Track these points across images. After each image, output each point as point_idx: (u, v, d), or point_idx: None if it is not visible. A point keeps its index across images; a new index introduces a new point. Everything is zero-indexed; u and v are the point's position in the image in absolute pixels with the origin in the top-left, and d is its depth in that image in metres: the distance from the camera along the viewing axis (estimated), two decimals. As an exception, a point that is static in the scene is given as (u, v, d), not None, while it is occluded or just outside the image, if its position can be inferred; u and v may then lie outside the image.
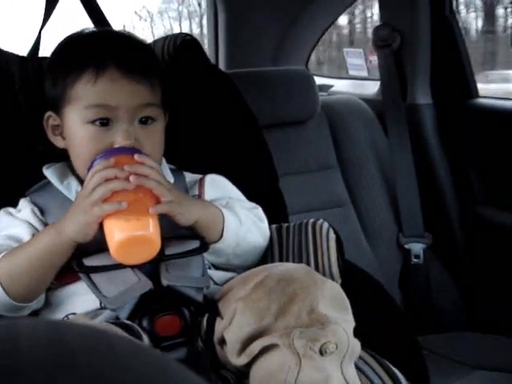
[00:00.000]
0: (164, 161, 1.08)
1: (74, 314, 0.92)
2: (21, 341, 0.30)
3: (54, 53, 1.04)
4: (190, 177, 1.09)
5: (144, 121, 0.97)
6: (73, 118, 0.97)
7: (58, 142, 1.03)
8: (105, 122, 0.95)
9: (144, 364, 0.31)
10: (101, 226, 0.88)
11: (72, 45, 1.02)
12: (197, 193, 1.06)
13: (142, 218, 0.87)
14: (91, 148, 0.95)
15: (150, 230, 0.86)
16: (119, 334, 0.33)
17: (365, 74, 2.36)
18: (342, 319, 0.81)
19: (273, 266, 0.91)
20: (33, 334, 0.31)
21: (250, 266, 1.02)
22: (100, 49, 0.98)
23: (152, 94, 0.98)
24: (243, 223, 1.00)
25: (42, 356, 0.29)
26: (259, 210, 1.07)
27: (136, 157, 0.91)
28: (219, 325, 0.86)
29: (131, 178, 0.88)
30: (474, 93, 1.89)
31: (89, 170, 0.92)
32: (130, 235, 0.85)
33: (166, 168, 1.06)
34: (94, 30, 1.04)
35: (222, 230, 0.97)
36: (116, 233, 0.86)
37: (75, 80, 0.95)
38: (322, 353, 0.76)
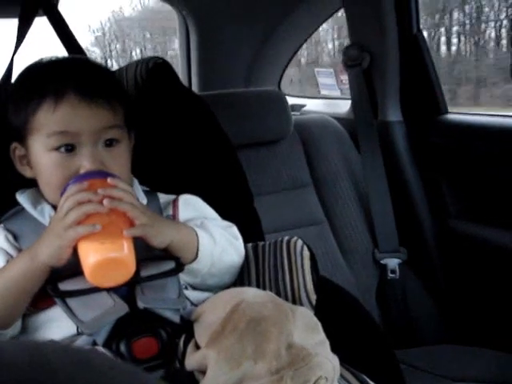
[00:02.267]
0: (137, 182, 1.08)
1: (50, 340, 0.91)
2: (3, 360, 0.30)
3: (16, 82, 1.05)
4: (163, 198, 1.10)
5: (108, 143, 0.97)
6: (37, 146, 0.97)
7: (26, 172, 1.03)
8: (69, 148, 0.95)
9: (124, 378, 0.31)
10: (75, 250, 0.88)
11: (32, 73, 1.02)
12: (171, 213, 1.07)
13: (116, 240, 0.86)
14: (58, 175, 0.95)
15: (125, 252, 0.86)
16: (99, 352, 0.34)
17: (337, 93, 2.40)
18: (319, 346, 0.81)
19: (241, 291, 0.90)
20: (15, 354, 0.31)
21: (226, 285, 1.03)
22: (58, 76, 0.98)
23: (114, 116, 0.98)
24: (218, 243, 1.00)
25: (24, 376, 0.29)
26: (234, 229, 1.07)
27: (109, 180, 0.92)
28: (192, 354, 0.85)
29: (105, 202, 0.88)
30: (444, 108, 1.93)
31: (62, 194, 0.93)
32: (105, 257, 0.85)
33: (138, 189, 1.07)
34: (53, 57, 1.04)
35: (197, 251, 0.97)
36: (90, 255, 0.85)
37: (36, 108, 0.96)
38: None
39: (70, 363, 0.31)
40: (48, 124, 0.95)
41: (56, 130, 0.94)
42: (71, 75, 0.98)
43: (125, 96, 1.04)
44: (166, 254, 0.96)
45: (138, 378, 0.32)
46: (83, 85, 0.96)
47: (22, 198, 1.02)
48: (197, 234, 0.98)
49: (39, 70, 1.02)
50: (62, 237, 0.87)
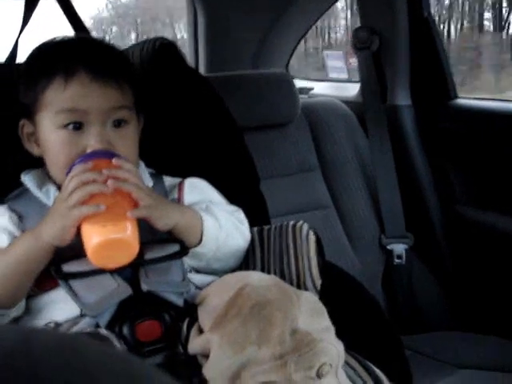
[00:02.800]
0: (143, 164, 1.07)
1: (54, 321, 0.91)
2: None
3: (26, 61, 1.05)
4: (169, 181, 1.09)
5: (117, 124, 0.97)
6: (46, 123, 0.97)
7: (34, 150, 1.03)
8: (77, 126, 0.95)
9: (107, 359, 0.31)
10: (79, 231, 0.87)
11: (42, 52, 1.02)
12: (176, 196, 1.06)
13: (120, 221, 0.86)
14: (65, 153, 0.95)
15: (128, 233, 0.85)
16: (88, 341, 0.33)
17: (345, 76, 2.37)
18: (323, 331, 0.80)
19: (246, 274, 0.89)
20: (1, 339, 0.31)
21: (231, 269, 1.02)
22: (69, 54, 0.98)
23: (123, 97, 0.98)
24: (223, 227, 0.99)
25: (7, 360, 0.29)
26: (240, 213, 1.07)
27: (114, 160, 0.91)
28: (196, 338, 0.84)
29: (109, 182, 0.87)
30: (453, 93, 1.91)
31: (67, 174, 0.92)
32: (107, 238, 0.84)
33: (144, 172, 1.06)
34: (65, 37, 1.03)
35: (202, 234, 0.97)
36: (93, 236, 0.85)
37: (46, 86, 0.96)
38: (319, 376, 0.76)
39: (55, 349, 0.30)
40: (57, 101, 0.95)
41: (65, 108, 0.95)
42: (82, 54, 0.99)
43: (134, 77, 1.04)
44: (171, 236, 0.96)
45: (131, 365, 0.31)
46: (94, 64, 0.96)
47: (27, 179, 1.02)
48: (201, 218, 0.97)
49: (50, 49, 1.01)
50: (66, 217, 0.86)
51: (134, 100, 1.02)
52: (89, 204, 0.86)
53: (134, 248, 0.86)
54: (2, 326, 0.35)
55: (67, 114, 0.95)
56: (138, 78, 1.06)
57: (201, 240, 0.97)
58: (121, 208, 0.87)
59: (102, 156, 0.93)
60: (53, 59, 0.98)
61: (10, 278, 0.89)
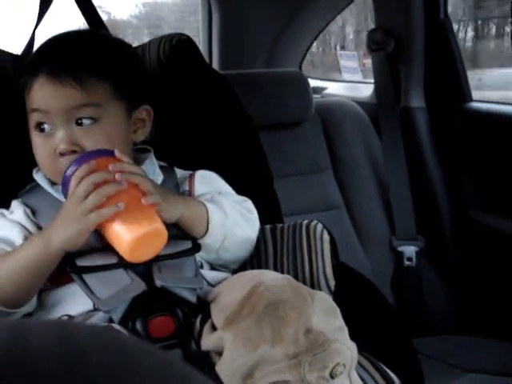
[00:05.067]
0: (153, 158, 1.07)
1: (67, 315, 0.91)
2: (32, 339, 0.30)
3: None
4: (180, 173, 1.09)
5: (80, 122, 0.95)
6: (30, 123, 0.99)
7: None
8: (43, 128, 0.96)
9: (154, 361, 0.31)
10: (95, 230, 0.87)
11: (36, 49, 1.04)
12: (187, 188, 1.06)
13: (142, 213, 0.87)
14: (41, 154, 0.97)
15: (155, 222, 0.87)
16: (127, 334, 0.33)
17: (359, 76, 2.37)
18: (337, 332, 0.80)
19: (259, 273, 0.89)
20: (44, 332, 0.31)
21: (241, 261, 1.03)
22: (41, 54, 1.00)
23: (85, 94, 0.94)
24: (229, 215, 0.99)
25: (53, 354, 0.29)
26: (248, 203, 1.06)
27: (116, 153, 0.92)
28: (209, 335, 0.84)
29: (118, 177, 0.87)
30: (468, 96, 1.90)
31: (65, 178, 0.91)
32: (142, 233, 0.85)
33: (155, 165, 1.05)
34: (61, 33, 1.03)
35: (208, 224, 0.97)
36: (125, 234, 0.85)
37: (24, 86, 0.98)
38: (332, 376, 0.76)
39: (100, 345, 0.30)
40: (27, 102, 0.98)
41: (30, 108, 0.97)
42: (50, 52, 0.99)
43: (117, 69, 1.00)
44: (183, 233, 0.96)
45: (174, 366, 0.31)
46: (53, 62, 0.96)
47: (38, 176, 1.01)
48: (207, 208, 0.97)
49: (40, 46, 1.03)
50: (82, 221, 0.86)
51: (113, 93, 0.97)
52: (107, 206, 0.86)
53: (164, 234, 0.87)
54: (42, 323, 0.35)
55: (34, 114, 0.96)
56: (128, 67, 1.03)
57: (207, 230, 0.97)
58: (137, 200, 0.87)
59: (96, 155, 0.92)
60: (34, 58, 1.00)
61: (18, 280, 0.89)
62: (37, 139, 0.97)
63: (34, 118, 0.96)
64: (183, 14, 3.01)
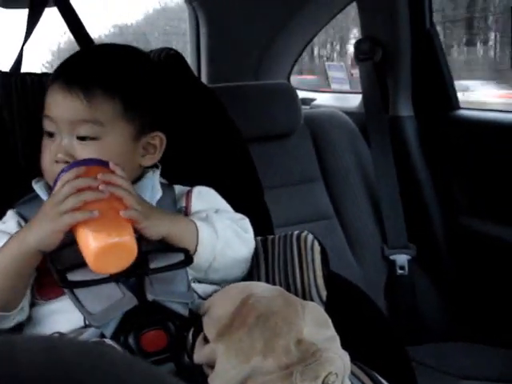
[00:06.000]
0: (157, 175, 1.06)
1: (58, 332, 0.91)
2: (19, 356, 0.30)
3: None
4: (179, 189, 1.08)
5: (81, 138, 0.96)
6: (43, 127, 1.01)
7: None
8: (51, 133, 0.97)
9: (144, 377, 0.31)
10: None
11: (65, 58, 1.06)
12: (184, 205, 1.05)
13: (116, 225, 0.86)
14: (45, 157, 0.98)
15: (125, 236, 0.85)
16: (115, 350, 0.33)
17: (347, 87, 2.38)
18: (329, 341, 0.80)
19: (249, 285, 0.89)
20: (31, 349, 0.31)
21: (235, 279, 1.01)
22: (66, 62, 1.02)
23: (88, 110, 0.95)
24: (220, 236, 0.98)
25: (39, 371, 0.29)
26: (245, 221, 1.06)
27: (111, 165, 0.92)
28: (201, 348, 0.84)
29: (102, 187, 0.87)
30: (455, 104, 1.91)
31: (54, 183, 0.92)
32: (110, 243, 0.84)
33: (156, 181, 1.05)
34: (96, 44, 1.06)
35: (196, 245, 0.96)
36: (91, 242, 0.84)
37: (46, 90, 1.00)
38: None
39: (85, 363, 0.30)
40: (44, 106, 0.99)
41: (44, 113, 0.98)
42: (70, 64, 1.02)
43: (134, 90, 1.00)
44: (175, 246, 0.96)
45: (155, 376, 0.31)
46: (69, 74, 0.97)
47: (38, 187, 1.01)
48: (197, 228, 0.96)
49: (68, 56, 1.05)
50: (56, 221, 0.86)
51: (124, 114, 0.97)
52: (82, 210, 0.86)
53: (133, 250, 0.86)
54: (28, 338, 0.35)
55: (44, 120, 0.98)
56: (146, 92, 1.02)
57: (196, 250, 0.96)
58: (115, 212, 0.87)
59: (91, 163, 0.93)
60: (59, 65, 1.02)
61: (2, 281, 0.89)
62: (44, 143, 0.98)
63: (44, 124, 0.98)
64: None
